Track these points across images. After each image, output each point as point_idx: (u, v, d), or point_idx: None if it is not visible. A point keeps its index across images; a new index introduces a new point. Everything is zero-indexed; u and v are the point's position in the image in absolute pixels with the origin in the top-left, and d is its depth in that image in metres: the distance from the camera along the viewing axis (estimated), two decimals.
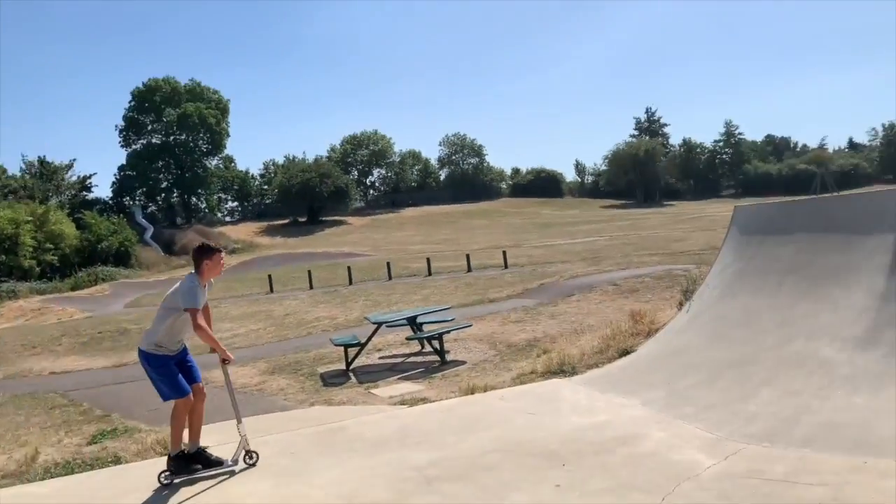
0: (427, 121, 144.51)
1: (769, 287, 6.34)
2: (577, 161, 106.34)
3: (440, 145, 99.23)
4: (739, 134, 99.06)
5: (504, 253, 24.78)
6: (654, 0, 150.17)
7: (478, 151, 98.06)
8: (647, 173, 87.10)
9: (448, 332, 10.01)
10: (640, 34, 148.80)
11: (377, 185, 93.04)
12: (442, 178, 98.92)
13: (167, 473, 4.81)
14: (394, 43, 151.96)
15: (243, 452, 5.01)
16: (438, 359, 9.47)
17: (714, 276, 7.33)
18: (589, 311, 12.25)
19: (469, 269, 23.52)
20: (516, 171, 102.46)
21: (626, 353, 7.23)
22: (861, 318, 5.16)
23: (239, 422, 5.03)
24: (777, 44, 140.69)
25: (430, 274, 23.58)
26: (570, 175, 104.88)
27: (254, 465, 5.00)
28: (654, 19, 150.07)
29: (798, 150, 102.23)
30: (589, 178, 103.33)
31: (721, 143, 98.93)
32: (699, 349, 6.25)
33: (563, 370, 7.21)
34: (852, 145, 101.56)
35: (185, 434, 5.01)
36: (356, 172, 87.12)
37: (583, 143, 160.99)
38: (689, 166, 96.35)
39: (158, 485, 4.77)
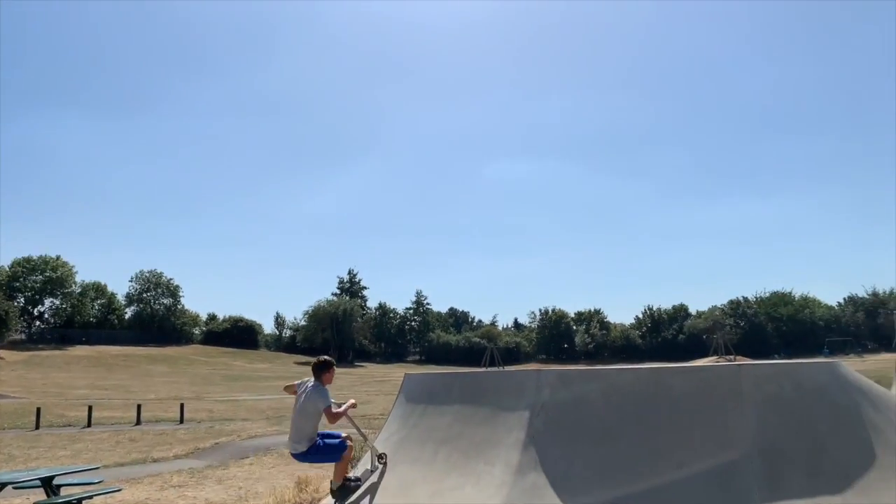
0: (120, 252, 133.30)
1: (426, 457, 6.59)
2: (277, 313, 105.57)
3: (131, 281, 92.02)
4: (428, 304, 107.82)
5: (182, 406, 22.88)
6: (366, 172, 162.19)
7: (173, 292, 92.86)
8: (343, 332, 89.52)
9: (90, 496, 8.63)
10: (349, 199, 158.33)
11: (47, 316, 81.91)
12: (127, 316, 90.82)
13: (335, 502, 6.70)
14: (93, 162, 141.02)
15: (375, 458, 6.98)
16: None
17: (379, 443, 7.45)
18: (260, 477, 11.58)
19: (138, 422, 21.14)
20: (213, 317, 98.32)
21: None
22: (499, 492, 5.55)
23: (365, 439, 7.36)
24: (457, 231, 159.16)
25: (89, 425, 20.65)
26: (269, 327, 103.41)
27: (384, 463, 6.91)
28: (361, 189, 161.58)
29: (475, 324, 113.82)
30: (287, 332, 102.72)
31: (412, 311, 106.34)
32: None
33: None
34: (517, 325, 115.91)
35: None
36: (23, 300, 76.13)
37: (287, 295, 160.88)
38: (382, 330, 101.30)
39: None
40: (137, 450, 15.21)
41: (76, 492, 8.69)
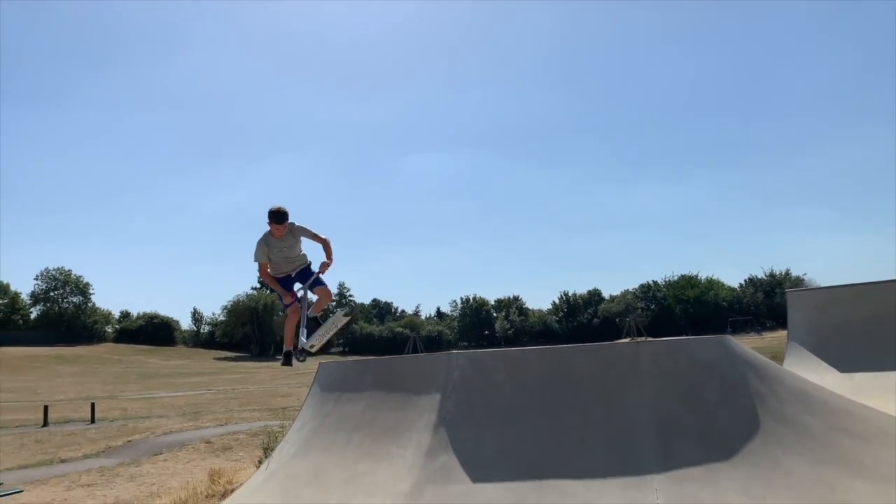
0: (24, 250, 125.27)
1: (339, 444, 6.66)
2: (195, 309, 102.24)
3: (36, 279, 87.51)
4: (350, 296, 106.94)
5: (93, 405, 22.03)
6: (283, 166, 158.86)
7: (83, 289, 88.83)
8: (263, 327, 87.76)
9: None
10: (266, 193, 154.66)
11: None
12: (33, 315, 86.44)
13: None
14: None
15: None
16: None
17: (293, 432, 7.47)
18: (175, 472, 11.35)
19: (45, 424, 20.25)
20: (126, 315, 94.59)
21: None
22: (410, 474, 5.68)
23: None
24: (378, 222, 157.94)
25: None
26: (186, 323, 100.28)
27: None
28: (279, 183, 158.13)
29: (398, 314, 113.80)
30: (206, 328, 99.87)
31: (334, 304, 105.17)
32: None
33: None
34: (440, 314, 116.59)
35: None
36: None
37: (204, 290, 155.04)
38: None
39: None
40: (43, 451, 14.62)
41: None
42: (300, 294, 7.22)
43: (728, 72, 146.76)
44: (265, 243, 6.94)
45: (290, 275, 7.27)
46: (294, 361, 7.16)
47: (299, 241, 7.18)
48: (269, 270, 7.14)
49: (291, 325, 7.15)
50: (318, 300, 7.23)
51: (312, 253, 7.53)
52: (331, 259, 7.12)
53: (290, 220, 7.05)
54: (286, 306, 7.24)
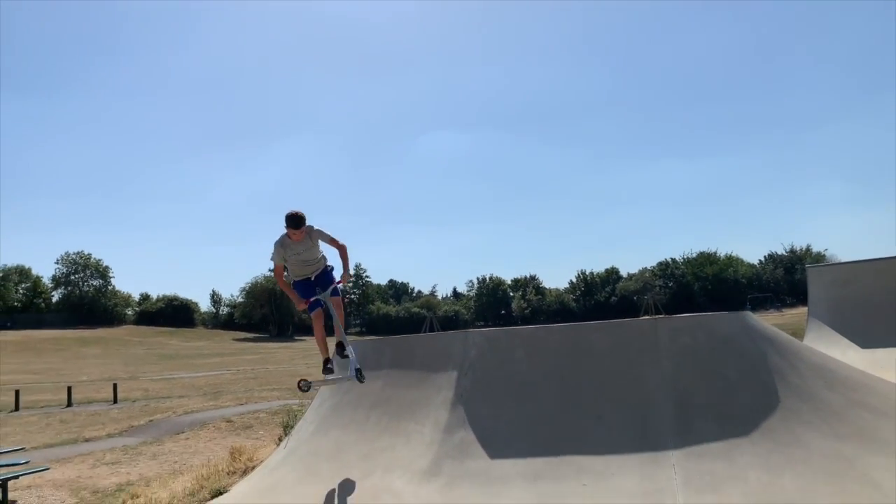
0: (44, 235, 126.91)
1: (358, 421, 6.72)
2: (213, 291, 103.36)
3: (57, 263, 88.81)
4: (367, 277, 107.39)
5: (115, 386, 22.40)
6: (298, 149, 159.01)
7: (103, 273, 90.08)
8: (282, 308, 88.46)
9: (16, 476, 8.49)
10: (282, 175, 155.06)
11: None
12: (55, 299, 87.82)
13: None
14: (4, 141, 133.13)
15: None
16: None
17: (313, 410, 7.54)
18: (196, 450, 11.53)
19: (69, 404, 20.64)
20: (145, 297, 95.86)
21: (219, 493, 6.88)
22: (428, 450, 5.72)
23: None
24: (394, 204, 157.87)
25: (17, 409, 20.05)
26: (205, 305, 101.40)
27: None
28: (299, 165, 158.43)
29: (414, 294, 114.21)
30: (224, 310, 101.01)
31: (351, 284, 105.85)
32: (289, 486, 6.25)
33: None
34: (456, 294, 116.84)
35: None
36: None
37: (223, 272, 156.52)
38: None
39: None
40: (68, 430, 14.90)
41: (1, 472, 8.49)
42: (323, 301, 7.04)
43: (745, 47, 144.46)
44: (281, 245, 6.80)
45: (309, 278, 7.15)
46: (336, 369, 7.02)
47: (317, 245, 7.05)
48: (285, 273, 7.06)
49: (319, 332, 7.08)
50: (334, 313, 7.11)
51: (332, 257, 7.37)
52: (348, 270, 6.98)
53: (308, 223, 6.91)
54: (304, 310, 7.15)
